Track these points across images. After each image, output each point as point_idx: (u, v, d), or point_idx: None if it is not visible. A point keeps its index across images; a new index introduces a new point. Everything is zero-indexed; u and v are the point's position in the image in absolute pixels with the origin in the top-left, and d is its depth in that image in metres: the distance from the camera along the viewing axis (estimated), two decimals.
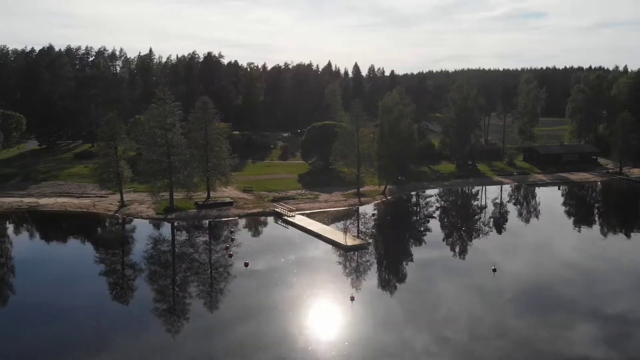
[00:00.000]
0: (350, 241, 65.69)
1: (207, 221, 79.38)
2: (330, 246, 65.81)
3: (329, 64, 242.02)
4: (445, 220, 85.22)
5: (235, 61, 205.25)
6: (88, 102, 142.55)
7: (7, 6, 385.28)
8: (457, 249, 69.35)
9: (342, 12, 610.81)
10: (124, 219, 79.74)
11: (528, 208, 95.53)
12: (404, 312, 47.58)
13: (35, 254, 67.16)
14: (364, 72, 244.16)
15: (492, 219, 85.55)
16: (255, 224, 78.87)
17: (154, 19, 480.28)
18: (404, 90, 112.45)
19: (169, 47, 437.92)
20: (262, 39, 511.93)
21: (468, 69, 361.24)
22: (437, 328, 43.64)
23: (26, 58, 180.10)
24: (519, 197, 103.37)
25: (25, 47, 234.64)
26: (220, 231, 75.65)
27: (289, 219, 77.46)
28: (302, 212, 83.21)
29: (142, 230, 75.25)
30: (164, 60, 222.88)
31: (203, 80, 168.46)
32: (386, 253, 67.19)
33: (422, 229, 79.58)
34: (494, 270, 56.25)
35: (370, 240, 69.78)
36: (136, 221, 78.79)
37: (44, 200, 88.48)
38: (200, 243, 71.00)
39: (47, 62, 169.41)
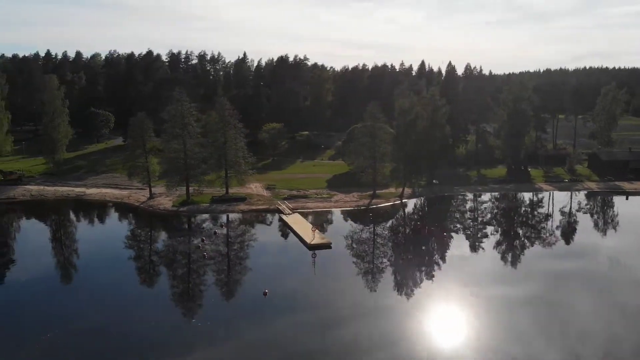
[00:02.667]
0: (315, 240, 67.86)
1: (199, 215, 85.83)
2: (298, 243, 68.74)
3: (422, 64, 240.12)
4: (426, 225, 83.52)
5: (321, 64, 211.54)
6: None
7: (166, 12, 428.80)
8: (401, 256, 68.10)
9: (473, 10, 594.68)
10: (144, 209, 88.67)
11: (508, 217, 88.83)
12: (297, 307, 49.73)
13: (49, 235, 78.40)
14: (460, 70, 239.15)
15: (461, 227, 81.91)
16: (250, 220, 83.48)
17: (287, 22, 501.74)
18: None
19: (302, 49, 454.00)
20: (390, 39, 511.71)
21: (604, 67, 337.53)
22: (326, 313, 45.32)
23: (127, 61, 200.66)
24: (524, 205, 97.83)
25: (132, 51, 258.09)
26: (210, 224, 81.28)
27: (283, 216, 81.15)
28: (306, 210, 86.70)
29: (145, 219, 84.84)
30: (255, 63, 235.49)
31: (276, 82, 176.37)
32: (342, 253, 67.08)
33: (393, 233, 78.97)
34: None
35: (332, 240, 69.68)
36: (151, 212, 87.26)
37: (91, 191, 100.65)
38: (181, 234, 77.13)
39: (145, 64, 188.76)
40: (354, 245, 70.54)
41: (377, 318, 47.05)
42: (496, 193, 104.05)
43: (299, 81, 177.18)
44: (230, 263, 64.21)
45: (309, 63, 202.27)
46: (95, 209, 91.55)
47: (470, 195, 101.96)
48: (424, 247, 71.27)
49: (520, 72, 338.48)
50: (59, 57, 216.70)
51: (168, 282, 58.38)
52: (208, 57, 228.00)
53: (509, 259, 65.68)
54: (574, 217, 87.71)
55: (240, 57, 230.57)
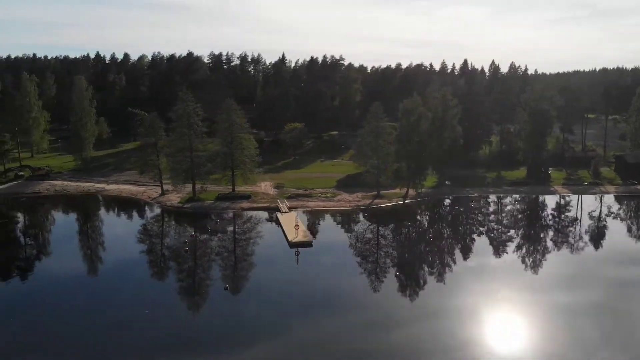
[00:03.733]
0: (298, 238, 69.40)
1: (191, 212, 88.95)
2: (283, 241, 70.49)
3: (465, 62, 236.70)
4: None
5: (357, 64, 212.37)
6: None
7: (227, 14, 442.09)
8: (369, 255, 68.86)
9: (538, 7, 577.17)
10: (153, 205, 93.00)
11: (488, 220, 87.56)
12: (261, 301, 51.35)
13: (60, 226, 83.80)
14: (504, 69, 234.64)
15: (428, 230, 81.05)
16: (248, 217, 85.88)
17: (342, 24, 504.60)
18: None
19: (358, 49, 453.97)
20: (450, 37, 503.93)
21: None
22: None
23: (168, 62, 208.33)
24: (519, 208, 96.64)
25: (174, 53, 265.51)
26: (208, 220, 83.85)
27: (279, 214, 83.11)
28: (305, 209, 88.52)
29: (147, 214, 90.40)
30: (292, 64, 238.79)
31: (306, 82, 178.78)
32: (321, 252, 68.56)
33: (377, 234, 79.25)
34: None
35: (313, 239, 71.04)
36: (158, 207, 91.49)
37: (110, 187, 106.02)
38: (174, 228, 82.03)
39: (185, 65, 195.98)
40: (335, 244, 71.72)
41: (333, 314, 48.25)
42: (505, 195, 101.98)
43: (330, 82, 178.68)
44: (205, 259, 66.73)
45: (345, 63, 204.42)
46: (109, 204, 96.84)
47: (476, 197, 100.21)
48: (397, 249, 71.53)
49: (574, 71, 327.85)
50: (108, 58, 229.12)
51: (138, 270, 62.13)
52: (249, 59, 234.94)
53: (485, 262, 65.01)
54: (548, 220, 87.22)
55: (279, 59, 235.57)
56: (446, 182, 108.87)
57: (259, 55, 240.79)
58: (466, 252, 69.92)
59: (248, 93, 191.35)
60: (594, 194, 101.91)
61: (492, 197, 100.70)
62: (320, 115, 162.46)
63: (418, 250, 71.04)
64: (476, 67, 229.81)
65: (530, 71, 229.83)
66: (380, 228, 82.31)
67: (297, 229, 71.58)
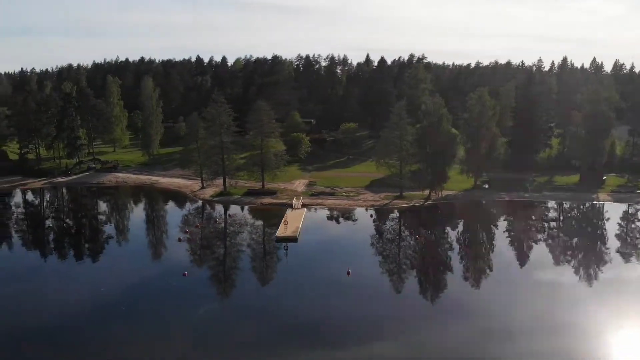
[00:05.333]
0: (285, 233, 73.22)
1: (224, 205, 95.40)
2: (275, 234, 74.77)
3: (565, 59, 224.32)
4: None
5: (433, 63, 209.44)
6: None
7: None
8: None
9: None
10: (189, 197, 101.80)
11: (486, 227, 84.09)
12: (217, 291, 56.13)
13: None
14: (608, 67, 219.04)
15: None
16: (261, 212, 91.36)
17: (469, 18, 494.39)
18: None
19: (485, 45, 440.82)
20: (585, 33, 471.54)
21: None
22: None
23: (254, 64, 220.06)
24: (535, 215, 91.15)
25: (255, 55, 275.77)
26: (224, 213, 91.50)
27: (289, 210, 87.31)
28: (320, 206, 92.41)
29: (175, 205, 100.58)
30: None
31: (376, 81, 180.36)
32: (304, 247, 71.30)
33: (371, 234, 79.81)
34: None
35: (300, 235, 74.01)
36: (193, 199, 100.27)
37: (164, 180, 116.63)
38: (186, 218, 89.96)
39: (268, 67, 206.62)
40: (321, 241, 74.52)
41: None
42: (536, 201, 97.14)
43: (399, 81, 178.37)
44: (186, 248, 71.84)
45: (428, 61, 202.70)
46: (152, 194, 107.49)
47: (504, 202, 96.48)
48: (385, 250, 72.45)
49: None
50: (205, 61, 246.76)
51: (126, 253, 71.41)
52: (337, 60, 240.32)
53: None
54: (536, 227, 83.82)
55: (364, 60, 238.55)
56: (484, 186, 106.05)
57: (344, 56, 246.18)
58: (423, 260, 68.60)
59: (323, 94, 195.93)
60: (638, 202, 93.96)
61: (521, 202, 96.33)
62: (384, 115, 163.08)
63: (382, 249, 72.73)
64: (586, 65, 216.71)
65: None
66: (376, 226, 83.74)
67: (285, 224, 75.40)
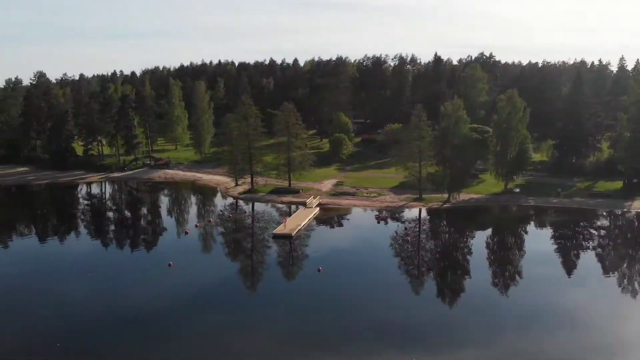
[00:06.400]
0: (283, 230, 76.90)
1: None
2: (275, 231, 78.68)
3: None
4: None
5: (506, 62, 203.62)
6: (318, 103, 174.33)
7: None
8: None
9: None
10: (221, 193, 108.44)
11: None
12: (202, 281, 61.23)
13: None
14: None
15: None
16: (275, 208, 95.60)
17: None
18: None
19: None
20: None
21: None
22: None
23: (316, 66, 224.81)
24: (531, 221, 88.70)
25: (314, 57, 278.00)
26: (241, 209, 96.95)
27: (301, 208, 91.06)
28: (336, 206, 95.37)
29: (205, 199, 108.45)
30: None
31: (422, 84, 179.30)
32: (296, 244, 74.16)
33: (369, 234, 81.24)
34: None
35: (295, 233, 76.44)
36: (223, 195, 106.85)
37: (205, 177, 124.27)
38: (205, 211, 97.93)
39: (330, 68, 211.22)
40: (314, 239, 76.97)
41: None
42: (563, 207, 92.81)
43: (455, 81, 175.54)
44: (186, 239, 77.45)
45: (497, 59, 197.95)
46: (189, 189, 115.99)
47: (525, 207, 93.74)
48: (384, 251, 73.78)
49: None
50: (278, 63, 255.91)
51: (124, 241, 78.36)
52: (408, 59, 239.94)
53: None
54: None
55: (432, 60, 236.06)
56: (515, 190, 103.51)
57: (412, 55, 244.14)
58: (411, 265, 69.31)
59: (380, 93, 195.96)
60: None
61: (542, 209, 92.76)
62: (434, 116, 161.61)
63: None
64: None
65: None
66: (376, 226, 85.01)
67: (285, 222, 79.21)
